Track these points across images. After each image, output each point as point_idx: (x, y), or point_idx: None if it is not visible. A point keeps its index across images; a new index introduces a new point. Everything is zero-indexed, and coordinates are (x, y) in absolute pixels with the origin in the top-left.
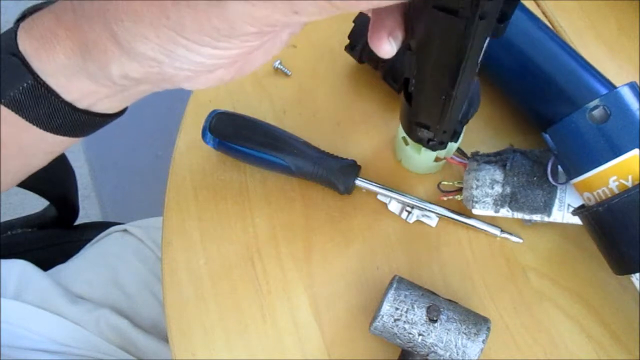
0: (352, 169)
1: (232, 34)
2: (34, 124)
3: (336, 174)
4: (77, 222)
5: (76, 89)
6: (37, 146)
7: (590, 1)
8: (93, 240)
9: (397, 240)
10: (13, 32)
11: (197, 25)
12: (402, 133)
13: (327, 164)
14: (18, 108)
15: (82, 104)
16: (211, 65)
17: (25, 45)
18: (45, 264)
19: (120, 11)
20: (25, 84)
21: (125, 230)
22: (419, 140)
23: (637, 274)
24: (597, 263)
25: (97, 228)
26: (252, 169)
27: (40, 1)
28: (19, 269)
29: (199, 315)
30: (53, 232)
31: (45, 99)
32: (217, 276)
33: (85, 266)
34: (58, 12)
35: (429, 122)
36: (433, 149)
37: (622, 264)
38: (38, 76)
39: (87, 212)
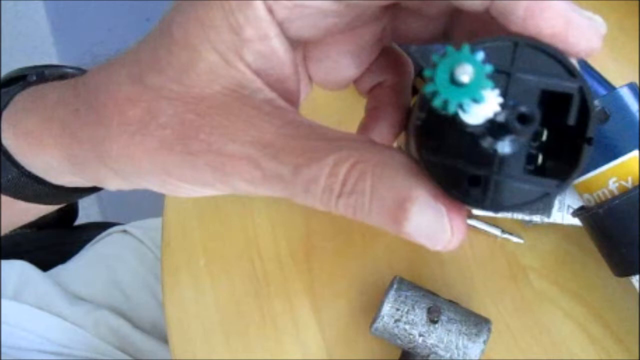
0: None
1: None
2: (23, 200)
3: None
4: (77, 223)
5: (66, 181)
6: (29, 212)
7: (590, 1)
8: (93, 241)
9: (398, 241)
10: None
11: (201, 180)
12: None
13: None
14: (4, 189)
15: (71, 185)
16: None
17: (9, 138)
18: (44, 265)
19: (114, 154)
20: (9, 176)
21: (125, 231)
22: None
23: (637, 276)
24: (598, 264)
25: (97, 228)
26: None
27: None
28: (18, 270)
29: (199, 315)
30: (52, 233)
31: (31, 185)
32: (217, 276)
33: (84, 267)
34: (43, 117)
35: None
36: None
37: (622, 266)
38: (23, 168)
39: (87, 212)
